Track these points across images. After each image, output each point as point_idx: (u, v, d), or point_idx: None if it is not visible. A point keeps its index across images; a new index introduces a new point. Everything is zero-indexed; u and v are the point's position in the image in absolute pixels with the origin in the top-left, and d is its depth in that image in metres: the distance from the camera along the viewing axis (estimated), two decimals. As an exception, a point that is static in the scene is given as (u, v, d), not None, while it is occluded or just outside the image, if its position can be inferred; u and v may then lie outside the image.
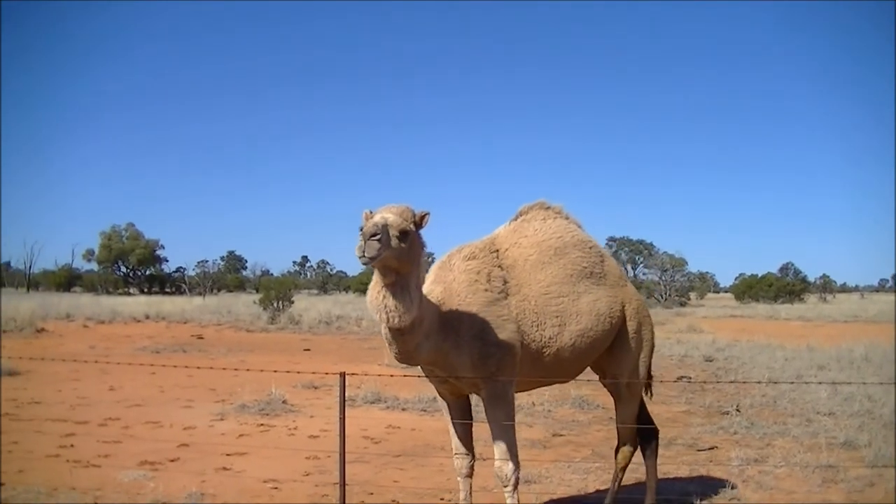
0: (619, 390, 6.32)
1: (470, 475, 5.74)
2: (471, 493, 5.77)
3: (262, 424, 10.36)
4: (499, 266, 5.63)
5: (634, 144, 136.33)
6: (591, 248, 6.11)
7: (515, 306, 5.53)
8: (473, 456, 5.79)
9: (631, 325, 6.22)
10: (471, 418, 5.84)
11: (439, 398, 5.92)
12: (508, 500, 5.45)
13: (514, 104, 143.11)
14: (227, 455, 8.49)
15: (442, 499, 7.03)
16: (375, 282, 4.88)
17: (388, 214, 4.77)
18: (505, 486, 5.42)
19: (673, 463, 8.33)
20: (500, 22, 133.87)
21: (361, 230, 4.64)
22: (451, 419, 5.79)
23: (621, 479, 6.59)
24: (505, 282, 5.57)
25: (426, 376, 5.70)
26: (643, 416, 6.61)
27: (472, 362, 5.30)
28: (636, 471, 7.20)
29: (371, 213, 4.85)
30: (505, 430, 5.42)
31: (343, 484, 5.75)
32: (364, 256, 4.56)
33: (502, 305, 5.48)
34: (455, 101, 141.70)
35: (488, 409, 5.43)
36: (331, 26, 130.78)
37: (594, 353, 5.98)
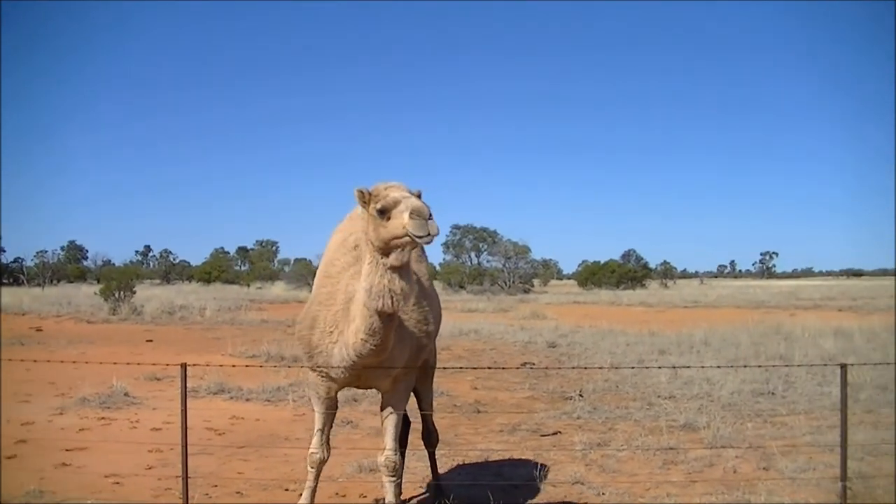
0: (428, 371, 6.31)
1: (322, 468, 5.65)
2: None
3: (103, 418, 10.08)
4: None
5: (477, 130, 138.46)
6: None
7: (424, 296, 5.59)
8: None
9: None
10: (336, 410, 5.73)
11: (317, 391, 5.48)
12: (392, 489, 5.38)
13: (356, 92, 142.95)
14: (68, 450, 8.23)
15: (287, 489, 7.04)
16: (376, 266, 4.65)
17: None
18: (392, 476, 5.36)
19: (517, 448, 8.59)
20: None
21: (411, 212, 4.43)
22: (324, 413, 5.54)
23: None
24: (415, 273, 5.38)
25: (317, 369, 5.32)
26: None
27: (410, 354, 5.33)
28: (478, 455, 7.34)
29: (385, 188, 4.68)
30: (400, 421, 5.49)
31: (186, 477, 5.71)
32: (430, 235, 4.47)
33: (423, 297, 5.54)
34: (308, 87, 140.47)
35: (398, 402, 5.42)
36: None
37: None
